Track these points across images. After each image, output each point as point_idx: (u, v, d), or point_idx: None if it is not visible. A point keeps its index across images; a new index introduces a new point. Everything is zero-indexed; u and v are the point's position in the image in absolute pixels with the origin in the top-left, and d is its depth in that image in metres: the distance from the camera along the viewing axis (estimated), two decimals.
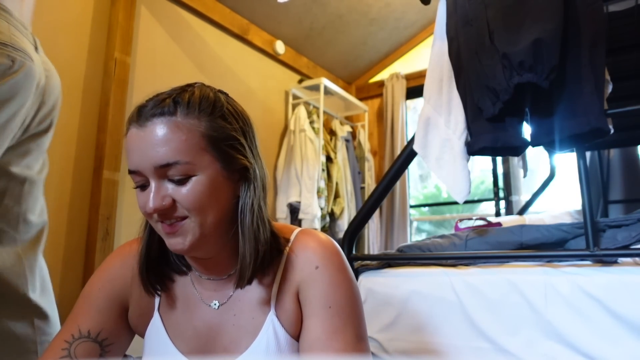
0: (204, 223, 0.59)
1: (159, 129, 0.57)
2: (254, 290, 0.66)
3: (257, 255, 0.61)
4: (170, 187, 0.58)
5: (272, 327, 0.63)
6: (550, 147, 1.14)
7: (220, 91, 0.66)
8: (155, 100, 0.59)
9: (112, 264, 0.72)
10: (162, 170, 0.57)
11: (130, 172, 0.59)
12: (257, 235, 0.61)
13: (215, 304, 0.67)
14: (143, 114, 0.59)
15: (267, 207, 0.67)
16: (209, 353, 0.65)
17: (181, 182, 0.58)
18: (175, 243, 0.59)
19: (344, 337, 0.60)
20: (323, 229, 2.98)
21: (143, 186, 0.60)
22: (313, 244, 0.66)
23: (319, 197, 2.84)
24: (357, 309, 0.64)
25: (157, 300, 0.70)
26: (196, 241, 0.59)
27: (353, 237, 1.46)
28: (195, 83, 0.65)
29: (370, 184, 3.50)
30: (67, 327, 0.66)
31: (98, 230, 1.82)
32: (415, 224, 3.80)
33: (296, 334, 0.64)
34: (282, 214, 2.84)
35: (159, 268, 0.68)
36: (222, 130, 0.60)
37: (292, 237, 0.68)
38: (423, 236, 4.07)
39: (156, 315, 0.69)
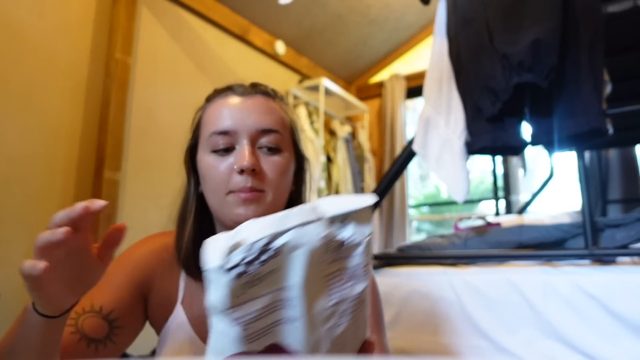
0: (276, 200, 0.64)
1: (266, 101, 0.66)
2: None
3: None
4: (260, 154, 0.63)
5: None
6: (549, 146, 1.15)
7: None
8: (254, 83, 0.69)
9: (139, 249, 0.70)
10: (260, 135, 0.63)
11: (220, 132, 0.62)
12: None
13: None
14: (244, 88, 0.67)
15: None
16: None
17: (273, 152, 0.64)
18: (249, 210, 0.61)
19: (380, 328, 0.72)
20: None
21: (226, 150, 0.63)
22: None
23: (319, 197, 2.84)
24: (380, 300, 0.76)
25: (181, 292, 0.68)
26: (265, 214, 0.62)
27: None
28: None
29: (370, 184, 3.51)
30: (80, 303, 0.61)
31: (99, 231, 1.82)
32: (415, 223, 3.80)
33: None
34: None
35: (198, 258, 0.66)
36: (297, 123, 0.71)
37: None
38: (423, 236, 4.07)
39: (179, 308, 0.67)
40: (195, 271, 0.66)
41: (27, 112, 1.69)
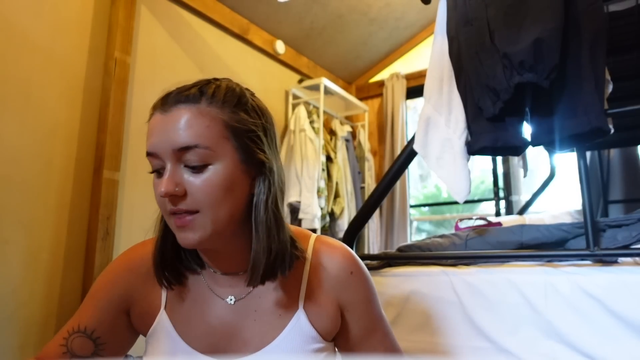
0: (216, 219, 0.59)
1: (183, 113, 0.58)
2: (279, 289, 0.67)
3: (270, 254, 0.61)
4: (186, 174, 0.58)
5: (299, 324, 0.65)
6: (550, 146, 1.14)
7: (247, 89, 0.68)
8: (181, 88, 0.61)
9: (118, 265, 0.73)
10: (180, 154, 0.57)
11: (148, 154, 0.60)
12: (270, 233, 0.62)
13: (231, 300, 0.67)
14: (168, 101, 0.60)
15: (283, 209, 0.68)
16: (226, 349, 0.66)
17: (198, 169, 0.58)
18: (184, 237, 0.59)
19: (384, 321, 0.75)
20: (323, 229, 2.98)
21: (159, 172, 0.60)
22: (338, 251, 0.71)
23: (319, 197, 2.84)
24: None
25: (163, 299, 0.69)
26: (207, 236, 0.59)
27: (353, 237, 1.46)
28: (223, 78, 0.67)
29: (370, 184, 3.50)
30: (71, 321, 0.69)
31: (98, 230, 1.82)
32: (415, 223, 3.80)
33: (325, 331, 0.67)
34: None
35: (173, 264, 0.68)
36: (244, 123, 0.61)
37: (311, 242, 0.71)
38: (423, 236, 4.07)
39: (162, 314, 0.68)
40: (162, 282, 0.66)
41: (25, 112, 1.68)
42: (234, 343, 0.66)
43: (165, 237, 0.66)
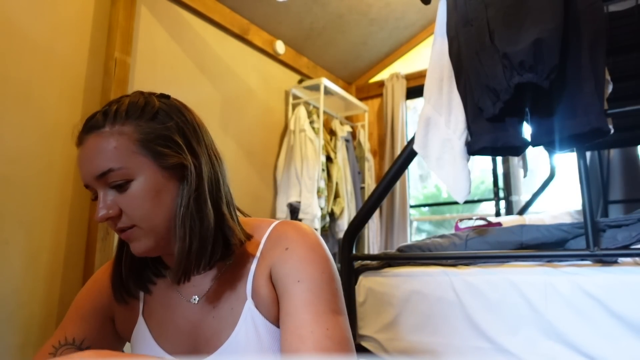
0: (153, 227, 0.61)
1: (91, 142, 0.61)
2: (232, 282, 0.67)
3: (191, 250, 0.62)
4: (115, 195, 0.61)
5: (250, 315, 0.64)
6: (550, 147, 1.14)
7: (162, 94, 0.68)
8: (89, 118, 0.63)
9: (101, 275, 0.76)
10: (103, 180, 0.60)
11: (84, 186, 0.64)
12: (191, 232, 0.62)
13: (195, 299, 0.68)
14: (80, 134, 0.63)
15: (225, 200, 0.67)
16: (194, 348, 0.66)
17: (122, 188, 0.60)
18: (134, 248, 0.63)
19: (315, 308, 0.58)
20: (323, 229, 2.98)
21: (96, 198, 0.63)
22: (287, 230, 0.67)
23: (319, 197, 2.84)
24: (331, 284, 0.62)
25: (141, 305, 0.72)
26: (153, 244, 0.62)
27: (353, 237, 1.46)
28: (132, 93, 0.67)
29: (370, 184, 3.50)
30: (56, 334, 0.70)
31: (98, 231, 1.82)
32: (415, 224, 3.80)
33: (275, 318, 0.64)
34: (282, 214, 2.84)
35: (138, 273, 0.71)
36: (151, 132, 0.62)
37: (269, 229, 0.69)
38: (423, 236, 4.07)
39: (140, 319, 0.71)
40: (117, 297, 0.70)
41: (25, 111, 1.68)
42: (200, 343, 0.66)
43: (121, 250, 0.70)
